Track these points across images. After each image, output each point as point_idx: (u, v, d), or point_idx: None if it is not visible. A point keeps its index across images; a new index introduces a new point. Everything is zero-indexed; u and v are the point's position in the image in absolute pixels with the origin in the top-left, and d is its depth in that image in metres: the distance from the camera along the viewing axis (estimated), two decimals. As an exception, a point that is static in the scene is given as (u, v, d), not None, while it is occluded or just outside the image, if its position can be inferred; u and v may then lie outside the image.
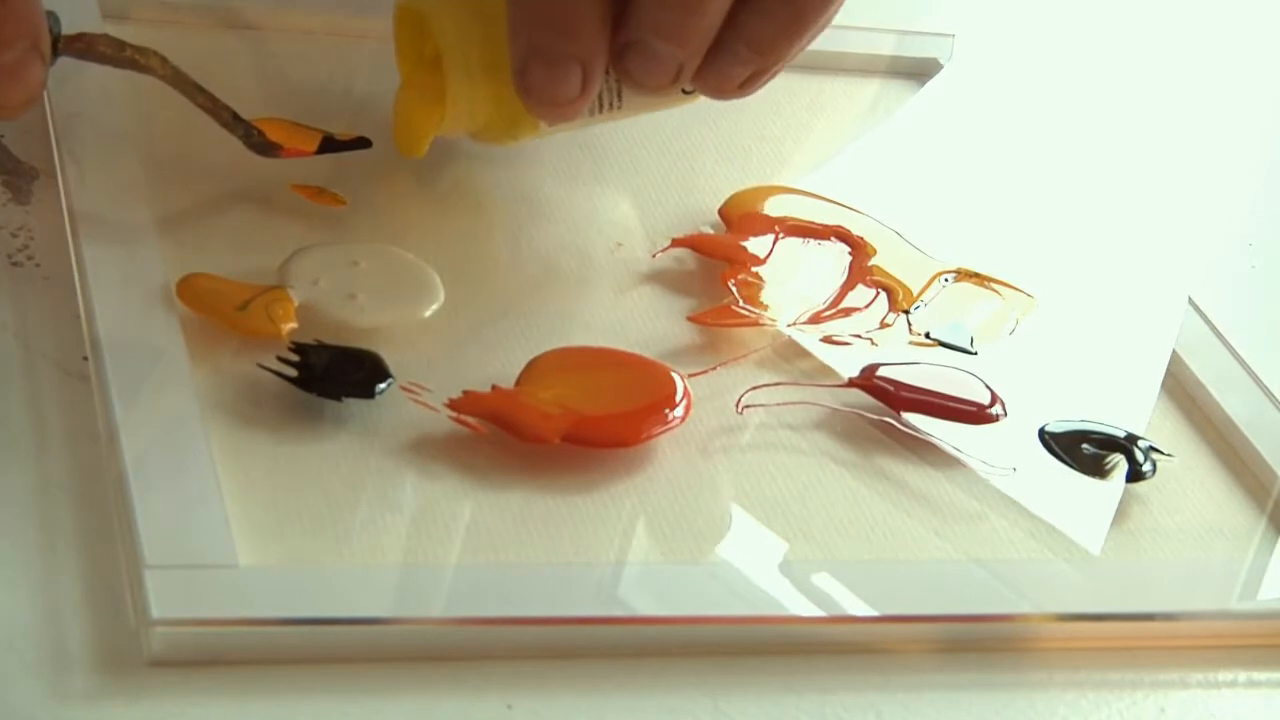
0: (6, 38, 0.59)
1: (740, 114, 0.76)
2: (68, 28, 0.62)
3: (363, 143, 0.67)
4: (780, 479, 0.60)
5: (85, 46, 0.63)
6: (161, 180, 0.66)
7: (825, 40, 0.65)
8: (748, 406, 0.62)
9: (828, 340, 0.65)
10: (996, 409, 0.63)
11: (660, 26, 0.61)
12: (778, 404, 0.62)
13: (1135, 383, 0.67)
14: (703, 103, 0.68)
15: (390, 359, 0.60)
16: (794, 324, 0.66)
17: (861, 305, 0.67)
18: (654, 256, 0.68)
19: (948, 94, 0.83)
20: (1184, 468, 0.63)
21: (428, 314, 0.62)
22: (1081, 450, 0.62)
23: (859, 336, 0.66)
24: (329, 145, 0.67)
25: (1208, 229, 0.81)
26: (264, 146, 0.66)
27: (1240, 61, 0.95)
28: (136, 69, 0.64)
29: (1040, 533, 0.59)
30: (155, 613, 0.49)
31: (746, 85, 0.64)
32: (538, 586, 0.54)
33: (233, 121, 0.65)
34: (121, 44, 0.63)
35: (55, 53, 0.62)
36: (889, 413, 0.62)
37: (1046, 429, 0.63)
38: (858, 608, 0.55)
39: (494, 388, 0.59)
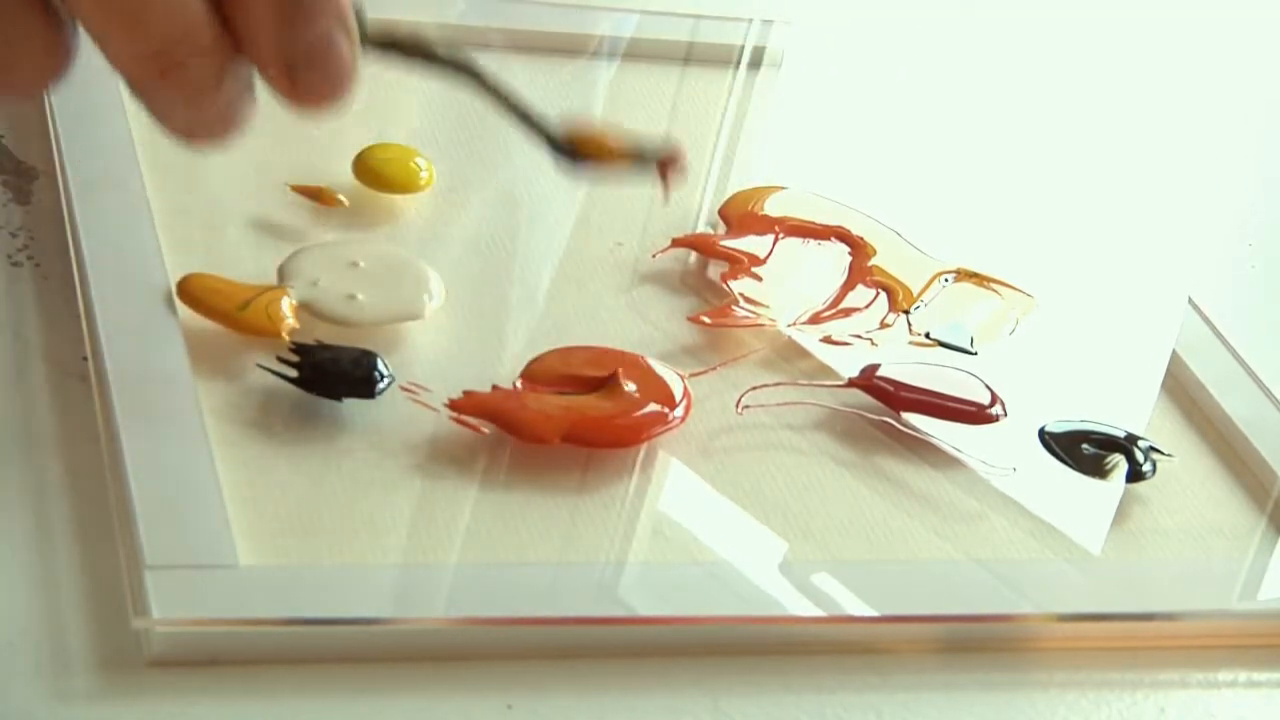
0: (310, 10, 0.47)
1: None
2: None
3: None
4: (780, 479, 0.60)
5: (391, 43, 0.52)
6: (162, 180, 0.66)
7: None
8: (748, 407, 0.62)
9: (828, 340, 0.65)
10: (996, 409, 0.63)
11: None
12: (778, 404, 0.62)
13: (1135, 383, 0.67)
14: (700, 103, 0.68)
15: (390, 359, 0.60)
16: (794, 324, 0.66)
17: (861, 305, 0.67)
18: (654, 256, 0.68)
19: (948, 93, 0.83)
20: (1184, 468, 0.63)
21: (428, 314, 0.62)
22: (1081, 450, 0.62)
23: (859, 336, 0.66)
24: (640, 160, 0.56)
25: (1208, 229, 0.81)
26: (573, 157, 0.56)
27: (1240, 62, 0.95)
28: (448, 75, 0.53)
29: (1040, 533, 0.59)
30: (155, 613, 0.49)
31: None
32: (538, 586, 0.54)
33: (552, 141, 0.56)
34: (432, 50, 0.53)
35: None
36: (889, 413, 0.62)
37: (1046, 429, 0.63)
38: (858, 608, 0.55)
39: (494, 388, 0.59)
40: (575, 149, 0.56)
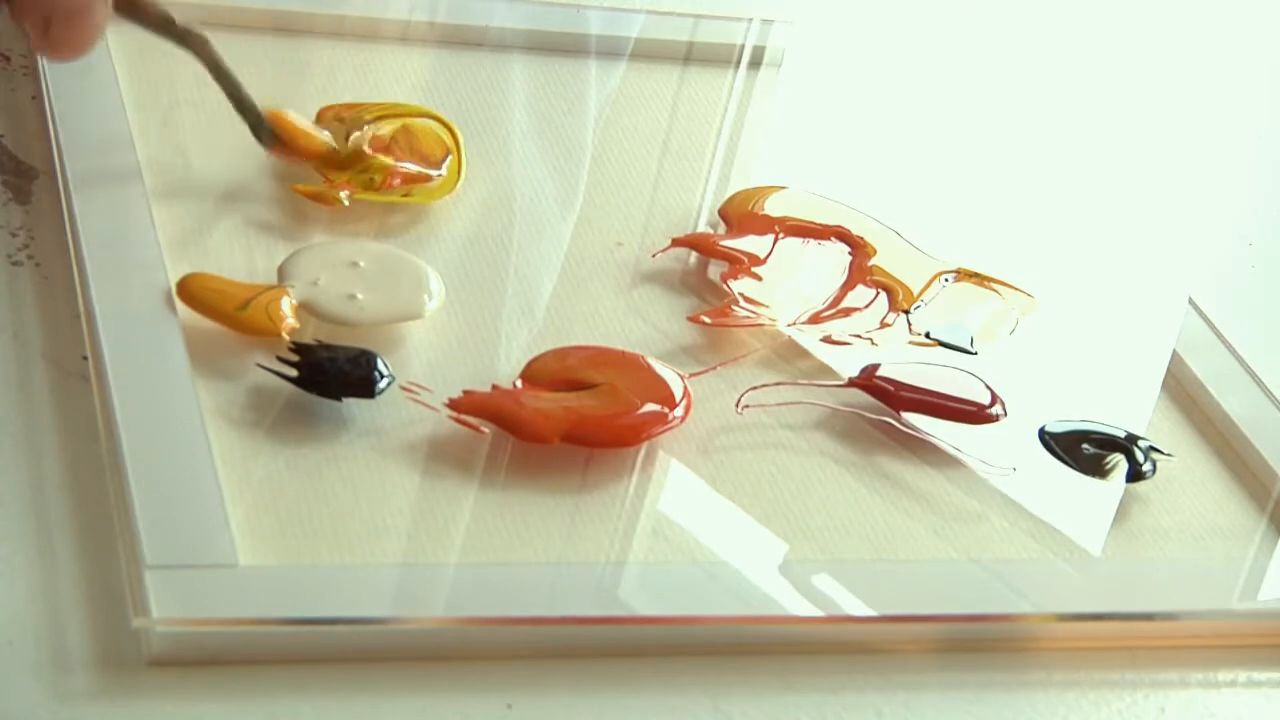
0: None
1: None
2: None
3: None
4: (780, 479, 0.60)
5: (133, 9, 0.64)
6: (161, 180, 0.66)
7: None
8: (748, 406, 0.62)
9: (828, 340, 0.65)
10: (996, 409, 0.63)
11: None
12: (778, 404, 0.62)
13: (1135, 383, 0.67)
14: (700, 103, 0.67)
15: (390, 359, 0.60)
16: (794, 324, 0.66)
17: (861, 305, 0.67)
18: (654, 256, 0.68)
19: (948, 92, 0.83)
20: (1184, 468, 0.63)
21: (427, 314, 0.62)
22: (1081, 450, 0.62)
23: (859, 336, 0.66)
24: (330, 160, 0.68)
25: (1208, 229, 0.81)
26: (271, 141, 0.68)
27: (1240, 62, 0.95)
28: (178, 43, 0.66)
29: (1040, 533, 0.59)
30: (155, 613, 0.49)
31: None
32: (538, 586, 0.54)
33: (251, 120, 0.67)
34: (170, 20, 0.65)
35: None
36: (889, 413, 0.62)
37: (1046, 429, 0.63)
38: (858, 608, 0.55)
39: (494, 388, 0.59)
40: (274, 134, 0.67)
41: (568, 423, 0.58)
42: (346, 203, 0.67)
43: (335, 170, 0.68)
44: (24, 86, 0.71)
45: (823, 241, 0.70)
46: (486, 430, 0.58)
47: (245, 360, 0.59)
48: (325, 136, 0.69)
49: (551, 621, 0.53)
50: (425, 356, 0.61)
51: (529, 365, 0.61)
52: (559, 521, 0.56)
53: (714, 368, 0.63)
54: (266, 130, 0.67)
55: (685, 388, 0.61)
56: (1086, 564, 0.59)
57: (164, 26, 0.65)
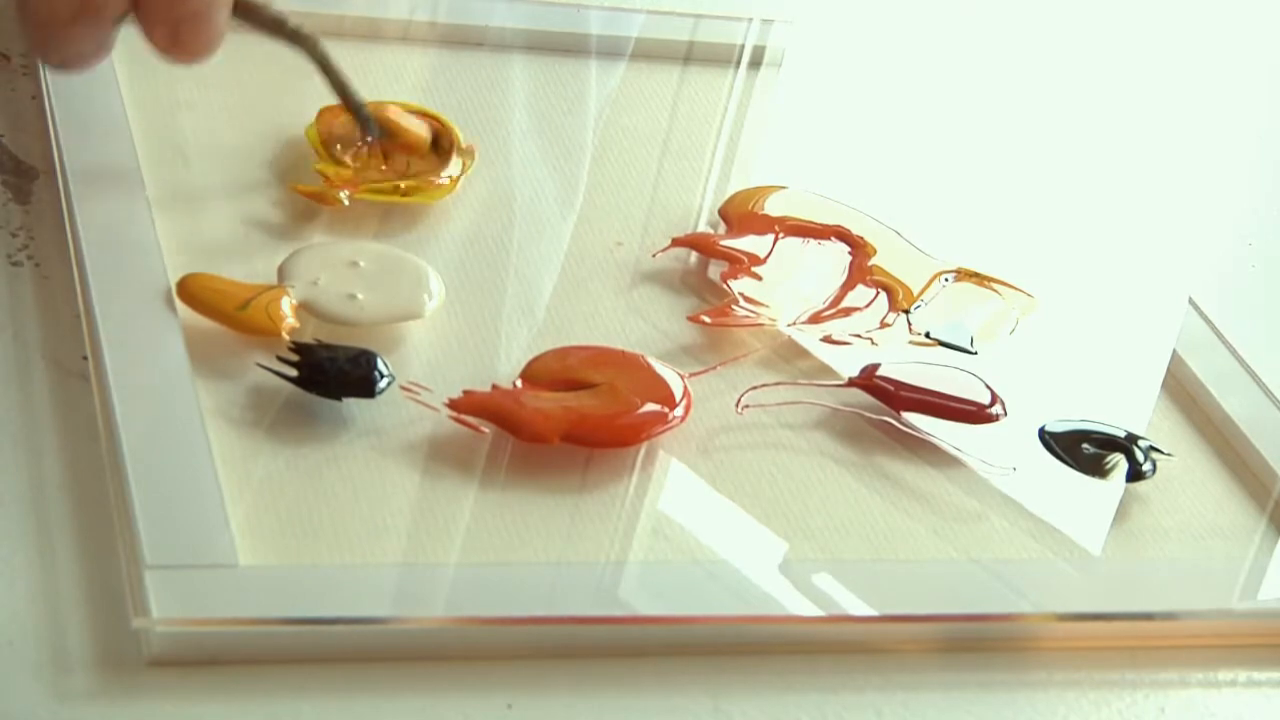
0: None
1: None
2: None
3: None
4: (780, 479, 0.60)
5: (248, 12, 0.66)
6: (162, 180, 0.66)
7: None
8: (748, 406, 0.62)
9: (828, 340, 0.65)
10: (996, 409, 0.63)
11: None
12: (778, 404, 0.62)
13: (1135, 383, 0.67)
14: (700, 103, 0.67)
15: (390, 359, 0.60)
16: (794, 324, 0.66)
17: (861, 305, 0.67)
18: (654, 256, 0.68)
19: (948, 92, 0.83)
20: (1184, 468, 0.63)
21: (427, 314, 0.62)
22: (1081, 450, 0.62)
23: (859, 336, 0.66)
24: (437, 144, 0.70)
25: (1208, 229, 0.81)
26: (379, 134, 0.69)
27: (1241, 62, 0.95)
28: (288, 44, 0.67)
29: (1040, 533, 0.59)
30: (155, 613, 0.49)
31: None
32: (538, 586, 0.54)
33: (360, 115, 0.69)
34: (282, 21, 0.67)
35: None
36: (889, 413, 0.62)
37: (1046, 429, 0.63)
38: (858, 608, 0.55)
39: (494, 388, 0.59)
40: (381, 129, 0.69)
41: (568, 423, 0.58)
42: (346, 203, 0.67)
43: (434, 160, 0.70)
44: (24, 86, 0.71)
45: (823, 241, 0.70)
46: (486, 430, 0.58)
47: (245, 360, 0.59)
48: (425, 129, 0.70)
49: (551, 621, 0.53)
50: (425, 356, 0.61)
51: (529, 365, 0.61)
52: (559, 521, 0.56)
53: (714, 368, 0.63)
54: (374, 125, 0.69)
55: (685, 388, 0.61)
56: (1086, 564, 0.59)
57: (276, 28, 0.67)
